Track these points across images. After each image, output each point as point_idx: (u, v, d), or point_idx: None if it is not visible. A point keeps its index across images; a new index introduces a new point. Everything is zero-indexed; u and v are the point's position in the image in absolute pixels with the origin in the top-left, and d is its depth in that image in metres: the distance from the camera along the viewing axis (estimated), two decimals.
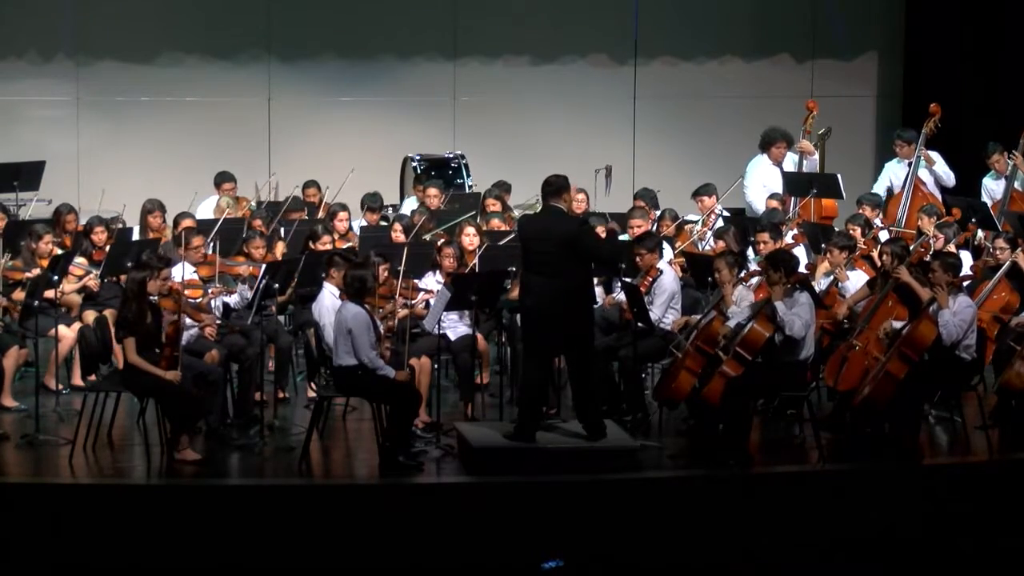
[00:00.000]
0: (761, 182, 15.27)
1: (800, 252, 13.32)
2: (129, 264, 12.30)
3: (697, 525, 10.34)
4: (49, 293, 12.02)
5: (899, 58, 18.88)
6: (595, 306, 11.64)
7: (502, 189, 15.28)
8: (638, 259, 12.16)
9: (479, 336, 12.26)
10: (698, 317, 11.74)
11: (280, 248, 13.79)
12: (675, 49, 18.88)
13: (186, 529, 10.04)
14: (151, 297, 10.92)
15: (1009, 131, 15.09)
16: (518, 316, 11.98)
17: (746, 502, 10.57)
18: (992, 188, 15.13)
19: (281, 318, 12.90)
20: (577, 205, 14.32)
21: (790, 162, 15.46)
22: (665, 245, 13.30)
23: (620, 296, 12.18)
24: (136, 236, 13.91)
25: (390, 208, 15.66)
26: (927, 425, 11.86)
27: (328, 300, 11.36)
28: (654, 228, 13.81)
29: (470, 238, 13.10)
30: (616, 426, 11.28)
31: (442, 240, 13.22)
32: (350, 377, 10.92)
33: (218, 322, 11.70)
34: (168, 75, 18.16)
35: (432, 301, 11.99)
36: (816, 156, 15.65)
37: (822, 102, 16.44)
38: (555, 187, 10.99)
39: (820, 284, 12.28)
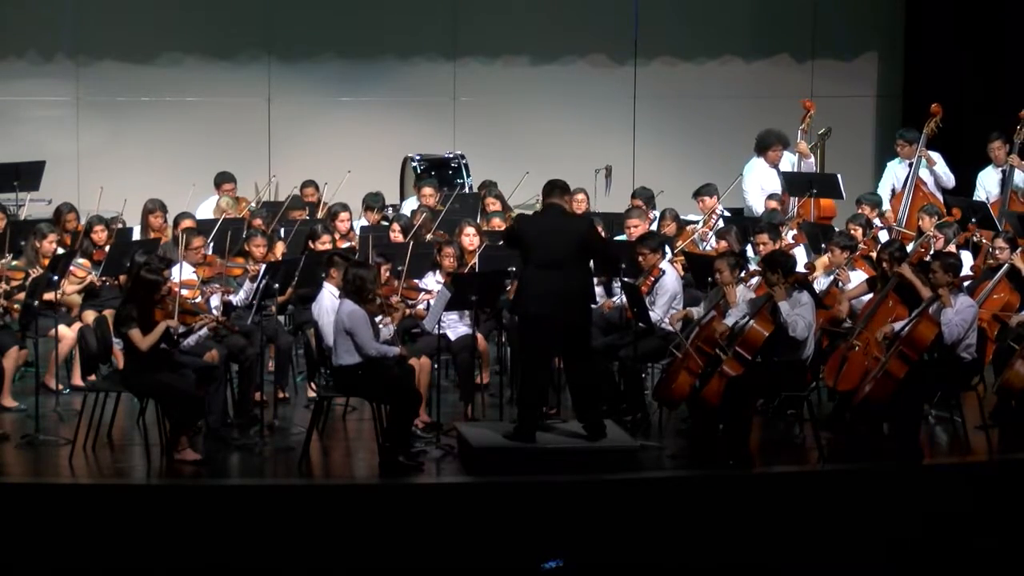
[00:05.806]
0: (759, 185, 15.26)
1: (800, 252, 13.32)
2: (129, 264, 12.29)
3: (697, 525, 10.33)
4: (48, 295, 12.00)
5: (899, 58, 18.88)
6: (594, 307, 11.65)
7: (490, 186, 15.31)
8: (640, 259, 12.15)
9: (479, 336, 12.25)
10: (698, 309, 11.75)
11: (280, 248, 13.78)
12: (675, 49, 18.87)
13: (186, 529, 10.03)
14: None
15: (1009, 131, 15.07)
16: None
17: (746, 502, 10.56)
18: (986, 182, 15.07)
19: (281, 318, 12.89)
20: (577, 205, 14.32)
21: (787, 163, 15.45)
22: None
23: (619, 300, 12.18)
24: (137, 236, 13.90)
25: (390, 208, 15.67)
26: (927, 425, 11.85)
27: (328, 300, 11.36)
28: (655, 228, 13.80)
29: (470, 238, 13.09)
30: (616, 426, 11.28)
31: (442, 240, 13.22)
32: (350, 377, 10.92)
33: (220, 319, 11.66)
34: (168, 75, 18.15)
35: (432, 301, 11.99)
36: (812, 159, 15.64)
37: (822, 102, 16.44)
38: (559, 187, 11.05)
39: (820, 284, 12.27)
